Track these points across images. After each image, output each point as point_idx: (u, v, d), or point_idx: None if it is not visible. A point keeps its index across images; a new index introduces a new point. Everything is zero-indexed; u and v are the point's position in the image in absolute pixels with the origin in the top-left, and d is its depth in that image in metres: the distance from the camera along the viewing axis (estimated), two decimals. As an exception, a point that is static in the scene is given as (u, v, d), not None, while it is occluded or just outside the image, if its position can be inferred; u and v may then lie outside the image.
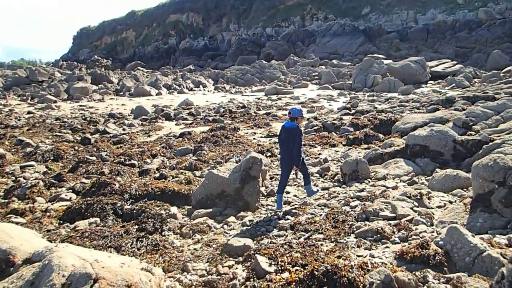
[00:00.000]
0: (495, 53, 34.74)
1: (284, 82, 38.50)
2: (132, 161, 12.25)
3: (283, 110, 24.23)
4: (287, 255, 5.61)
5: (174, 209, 8.07)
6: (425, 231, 6.10)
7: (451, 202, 7.40)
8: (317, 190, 8.63)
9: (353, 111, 20.94)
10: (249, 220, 7.46)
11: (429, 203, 7.39)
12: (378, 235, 6.11)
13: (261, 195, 8.57)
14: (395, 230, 6.24)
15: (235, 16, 73.19)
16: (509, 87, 22.91)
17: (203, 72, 49.17)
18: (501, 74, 28.09)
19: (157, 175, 10.83)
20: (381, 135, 14.10)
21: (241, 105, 26.94)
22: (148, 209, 7.84)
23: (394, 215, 6.81)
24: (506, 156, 6.39)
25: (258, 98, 31.12)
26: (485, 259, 4.77)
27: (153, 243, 6.47)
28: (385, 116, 16.37)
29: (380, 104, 23.57)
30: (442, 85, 29.38)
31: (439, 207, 7.28)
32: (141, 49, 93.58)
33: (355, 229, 6.50)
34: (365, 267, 4.88)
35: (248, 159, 8.40)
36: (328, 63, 43.25)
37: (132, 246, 6.37)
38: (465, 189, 7.80)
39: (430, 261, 4.99)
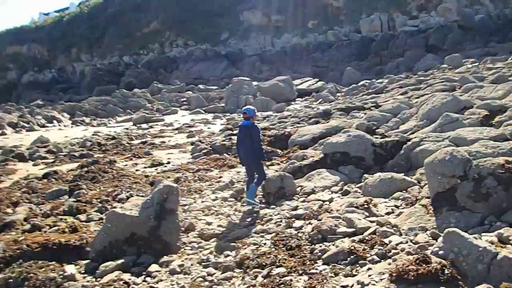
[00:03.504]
0: (348, 70, 37.73)
1: (151, 110, 36.55)
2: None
3: (158, 137, 22.53)
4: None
5: (70, 268, 6.02)
6: (401, 242, 5.26)
7: (397, 207, 6.79)
8: (258, 203, 7.85)
9: (236, 131, 20.21)
10: (179, 265, 5.83)
11: (377, 211, 6.64)
12: (353, 256, 5.08)
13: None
14: (365, 247, 5.28)
15: (86, 46, 68.35)
16: (372, 97, 24.63)
17: (56, 106, 44.24)
18: (360, 88, 30.34)
19: (27, 227, 8.34)
20: (279, 151, 13.46)
21: (109, 136, 24.31)
22: (32, 275, 5.66)
23: (354, 229, 5.89)
24: (459, 148, 5.94)
25: (127, 128, 28.74)
26: (503, 263, 4.02)
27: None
28: (278, 131, 15.86)
29: (259, 123, 23.33)
30: (310, 101, 30.58)
31: (388, 213, 6.59)
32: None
33: (319, 253, 5.39)
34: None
35: (162, 189, 6.76)
36: (195, 88, 42.46)
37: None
38: (404, 191, 7.29)
39: (441, 277, 4.08)
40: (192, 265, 5.81)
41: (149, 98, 40.79)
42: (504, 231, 4.79)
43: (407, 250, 4.98)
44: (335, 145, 9.21)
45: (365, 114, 17.97)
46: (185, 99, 39.50)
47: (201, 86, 43.43)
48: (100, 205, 9.65)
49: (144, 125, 28.92)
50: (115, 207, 9.20)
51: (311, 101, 30.53)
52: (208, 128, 24.72)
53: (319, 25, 50.23)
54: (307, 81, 35.49)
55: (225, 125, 24.09)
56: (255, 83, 34.19)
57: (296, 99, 32.49)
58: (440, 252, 4.37)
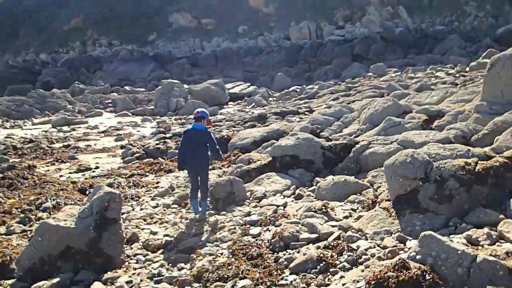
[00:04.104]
0: (279, 76, 38.14)
1: (73, 112, 34.34)
2: None
3: (83, 141, 21.03)
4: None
5: (-8, 290, 5.13)
6: (369, 247, 5.04)
7: (354, 210, 6.63)
8: (208, 209, 7.46)
9: (169, 135, 19.41)
10: (126, 282, 5.16)
11: (335, 215, 6.43)
12: (322, 264, 4.77)
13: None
14: (333, 253, 5.00)
15: (-3, 40, 63.03)
16: (305, 102, 25.00)
17: (-41, 107, 40.16)
18: (292, 93, 30.72)
19: None
20: (219, 154, 13.02)
21: (26, 139, 22.30)
22: None
23: (317, 235, 5.61)
24: (418, 151, 5.89)
25: (46, 131, 26.66)
26: (482, 265, 3.91)
27: None
28: (219, 135, 15.40)
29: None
30: (243, 105, 30.38)
31: (346, 217, 6.41)
32: None
33: (285, 262, 5.02)
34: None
35: (102, 196, 6.03)
36: (120, 90, 40.53)
37: None
38: (359, 194, 7.16)
39: (422, 283, 3.88)
40: (141, 281, 5.18)
41: (70, 99, 38.33)
42: (472, 233, 4.76)
43: (378, 255, 4.78)
44: (284, 148, 8.95)
45: (300, 118, 18.13)
46: (110, 101, 37.60)
47: (127, 88, 41.60)
48: (22, 215, 8.59)
49: (65, 128, 27.00)
50: (41, 217, 8.24)
51: (244, 105, 30.34)
52: (138, 131, 23.58)
53: (250, 31, 50.47)
54: (239, 85, 35.29)
55: (156, 128, 23.13)
56: (186, 86, 33.33)
57: (229, 103, 32.17)
58: (418, 257, 4.18)
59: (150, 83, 43.97)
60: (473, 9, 45.50)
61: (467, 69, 27.54)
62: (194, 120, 7.72)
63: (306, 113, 20.31)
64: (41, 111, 36.27)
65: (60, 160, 15.69)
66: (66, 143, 20.20)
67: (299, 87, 33.01)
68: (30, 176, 12.42)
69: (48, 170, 14.00)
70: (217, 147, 7.55)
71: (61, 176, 12.95)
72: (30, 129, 29.32)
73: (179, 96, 30.91)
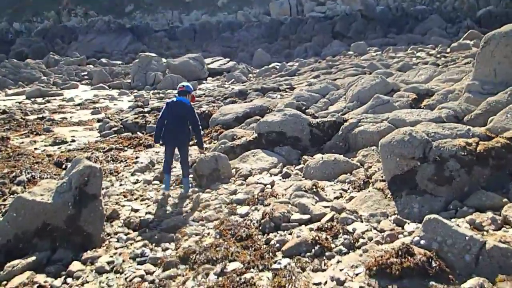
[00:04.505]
0: (259, 52, 37.49)
1: (48, 84, 33.13)
2: None
3: (58, 113, 20.22)
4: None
5: (-40, 269, 4.69)
6: (366, 230, 4.79)
7: (345, 191, 6.38)
8: (191, 187, 7.18)
9: (147, 109, 18.80)
10: (108, 262, 4.80)
11: (326, 195, 6.16)
12: (317, 247, 4.49)
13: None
14: (327, 236, 4.72)
15: (-34, 8, 59.98)
16: (286, 79, 24.60)
17: None
18: (271, 70, 30.24)
19: None
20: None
21: (-1, 110, 21.35)
22: None
23: (309, 216, 5.32)
24: (416, 129, 5.63)
25: (20, 102, 25.59)
26: (492, 252, 3.69)
27: None
28: (199, 110, 14.93)
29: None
30: (222, 81, 29.78)
31: (337, 198, 6.15)
32: None
33: (277, 244, 4.73)
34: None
35: (82, 170, 5.60)
36: (97, 62, 39.22)
37: None
38: (349, 174, 6.91)
39: (429, 271, 3.65)
40: (124, 261, 4.82)
41: (45, 70, 36.96)
42: (475, 217, 4.54)
43: (376, 239, 4.54)
44: (270, 124, 8.59)
45: (281, 95, 17.78)
46: (86, 73, 36.46)
47: (103, 60, 40.31)
48: (-9, 187, 8.08)
49: (39, 100, 26.03)
50: (15, 191, 7.77)
51: (223, 81, 29.76)
52: (115, 105, 22.87)
53: (229, 5, 49.36)
54: (218, 60, 34.55)
55: (134, 102, 22.44)
56: (164, 59, 32.41)
57: (207, 78, 31.49)
58: (422, 242, 3.95)
59: (127, 56, 42.72)
60: (455, -11, 45.53)
61: (448, 50, 27.55)
62: (178, 93, 7.24)
63: (287, 90, 20.03)
64: (14, 81, 34.87)
65: (34, 132, 15.06)
66: (40, 115, 19.44)
67: (279, 64, 32.52)
68: (3, 148, 11.84)
69: (22, 142, 13.40)
70: (200, 127, 7.20)
71: (36, 149, 12.39)
72: (3, 100, 28.13)
73: (157, 70, 30.09)
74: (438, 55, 26.02)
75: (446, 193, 5.07)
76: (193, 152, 10.14)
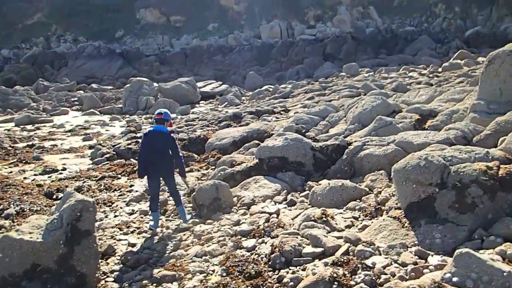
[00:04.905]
0: (251, 75, 37.43)
1: (37, 110, 32.66)
2: None
3: (48, 140, 19.77)
4: None
5: None
6: (387, 265, 4.41)
7: (356, 219, 6.02)
8: (191, 217, 6.78)
9: (140, 134, 18.42)
10: (105, 306, 4.37)
11: (336, 224, 5.79)
12: (335, 286, 4.10)
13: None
14: (345, 272, 4.34)
15: (-47, 35, 59.57)
16: (280, 101, 24.48)
17: None
18: (265, 92, 30.11)
19: None
20: (195, 155, 12.24)
21: (-14, 139, 20.82)
22: None
23: (322, 249, 4.94)
24: (432, 153, 5.32)
25: (8, 130, 25.07)
26: (535, 291, 3.33)
27: None
28: (188, 134, 14.65)
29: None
30: (215, 104, 29.54)
31: (348, 226, 5.78)
32: None
33: (291, 283, 4.34)
34: None
35: (74, 205, 5.20)
36: (87, 87, 38.89)
37: None
38: (358, 200, 6.56)
39: (467, 313, 3.27)
40: (122, 306, 4.39)
41: (34, 96, 36.52)
42: (506, 248, 4.19)
43: (399, 275, 4.16)
44: (271, 149, 8.25)
45: (277, 118, 17.54)
46: (76, 98, 36.06)
47: (94, 85, 40.01)
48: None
49: (29, 127, 25.52)
50: (3, 226, 7.31)
51: (216, 104, 29.53)
52: (107, 130, 22.50)
53: (220, 29, 49.59)
54: (210, 83, 34.40)
55: (126, 127, 22.07)
56: (155, 84, 32.18)
57: (200, 102, 31.26)
58: (454, 279, 3.59)
59: (118, 81, 42.46)
60: (442, 11, 46.23)
61: (440, 69, 27.72)
62: (155, 121, 6.96)
63: (281, 112, 19.85)
64: (3, 109, 34.34)
65: (24, 161, 14.59)
66: (30, 143, 18.97)
67: (272, 86, 32.45)
68: (-11, 178, 11.35)
69: (11, 172, 12.95)
70: (180, 154, 6.91)
71: (25, 178, 11.95)
72: (-9, 127, 27.56)
73: (148, 95, 29.81)
74: (431, 75, 26.13)
75: (469, 221, 4.73)
76: (190, 178, 9.78)
